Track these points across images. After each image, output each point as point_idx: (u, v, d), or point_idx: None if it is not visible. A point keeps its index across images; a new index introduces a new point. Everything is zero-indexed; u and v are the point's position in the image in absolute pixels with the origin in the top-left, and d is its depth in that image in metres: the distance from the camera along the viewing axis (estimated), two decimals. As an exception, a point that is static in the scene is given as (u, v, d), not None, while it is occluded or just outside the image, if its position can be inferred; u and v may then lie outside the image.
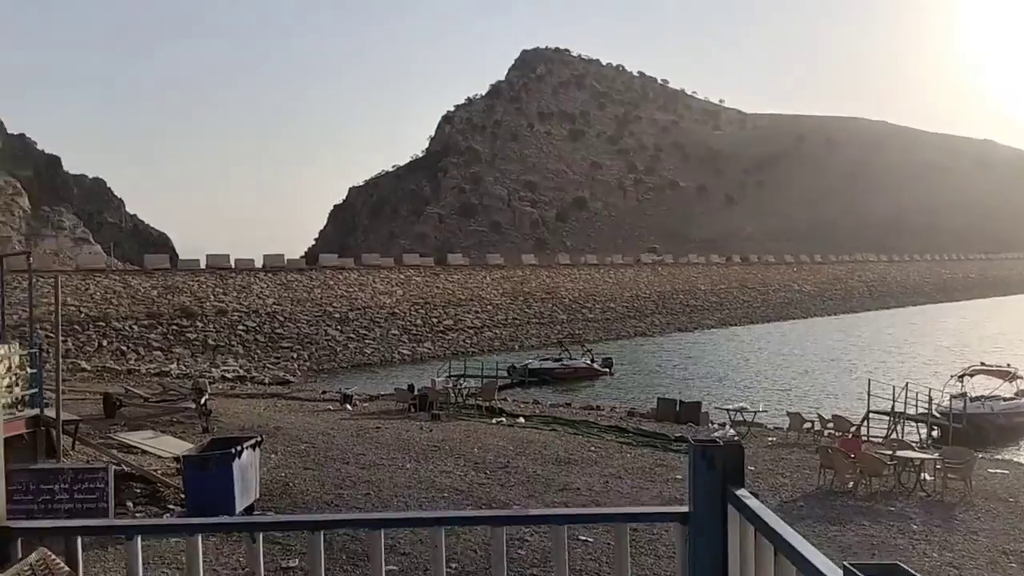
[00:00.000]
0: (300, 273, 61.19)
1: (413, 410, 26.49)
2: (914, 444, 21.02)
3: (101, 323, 46.86)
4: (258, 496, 13.58)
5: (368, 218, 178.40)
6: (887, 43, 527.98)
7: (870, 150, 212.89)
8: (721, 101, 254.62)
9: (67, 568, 2.41)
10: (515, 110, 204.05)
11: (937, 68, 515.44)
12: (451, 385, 30.78)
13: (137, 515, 13.02)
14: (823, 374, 44.66)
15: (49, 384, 13.79)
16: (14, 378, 12.95)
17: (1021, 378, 28.95)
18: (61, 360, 40.31)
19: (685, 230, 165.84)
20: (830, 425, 23.17)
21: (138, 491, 14.12)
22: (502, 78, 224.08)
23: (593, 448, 19.97)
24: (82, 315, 46.96)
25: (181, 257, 67.71)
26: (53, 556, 2.38)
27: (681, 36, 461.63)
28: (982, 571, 11.38)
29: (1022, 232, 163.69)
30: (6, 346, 13.15)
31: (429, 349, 54.44)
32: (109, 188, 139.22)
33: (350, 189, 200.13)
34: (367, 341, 53.49)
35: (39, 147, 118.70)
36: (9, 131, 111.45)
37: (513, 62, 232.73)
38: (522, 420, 25.01)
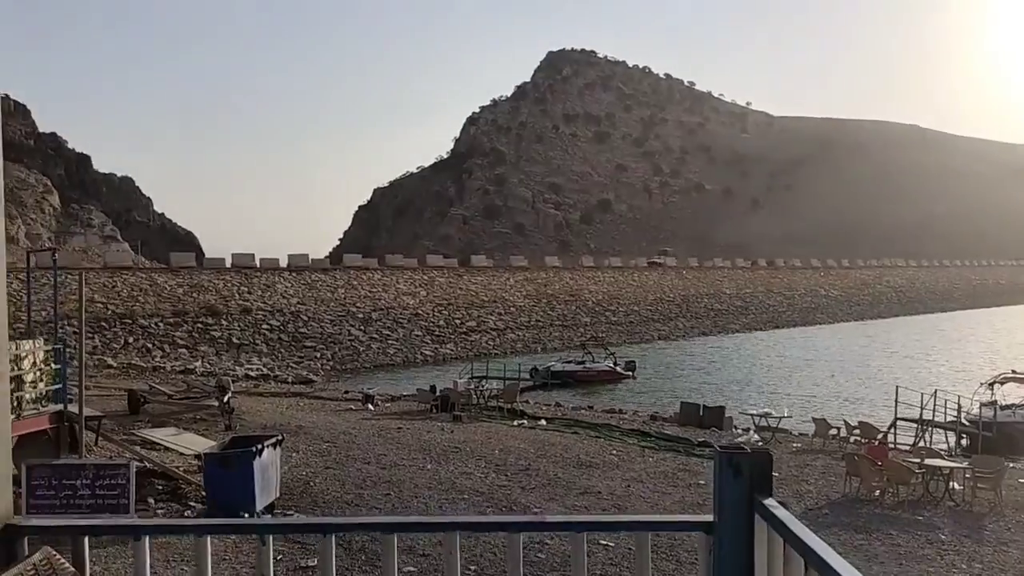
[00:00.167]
0: (324, 273, 61.49)
1: (435, 411, 26.46)
2: (942, 452, 20.65)
3: (128, 320, 47.34)
4: (278, 495, 13.57)
5: (392, 219, 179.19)
6: (918, 45, 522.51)
7: (899, 153, 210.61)
8: (748, 104, 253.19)
9: (72, 568, 2.35)
10: (540, 112, 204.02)
11: (968, 71, 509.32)
12: (473, 386, 30.73)
13: (158, 511, 13.06)
14: (849, 380, 44.12)
15: (73, 380, 13.89)
16: (39, 374, 13.04)
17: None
18: (87, 356, 40.73)
19: (710, 233, 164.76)
20: (856, 432, 22.85)
21: (160, 488, 14.17)
22: (528, 79, 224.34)
23: (615, 452, 19.80)
24: (109, 312, 47.47)
25: (207, 256, 68.32)
26: (57, 556, 2.33)
27: (709, 38, 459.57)
28: (1013, 584, 11.12)
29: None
30: (31, 342, 13.25)
31: (452, 350, 54.46)
32: (138, 187, 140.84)
33: (375, 190, 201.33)
34: (390, 342, 53.61)
35: (70, 146, 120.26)
36: (40, 130, 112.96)
37: (539, 63, 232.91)
38: (544, 422, 24.90)
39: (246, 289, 54.79)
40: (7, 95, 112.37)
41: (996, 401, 26.85)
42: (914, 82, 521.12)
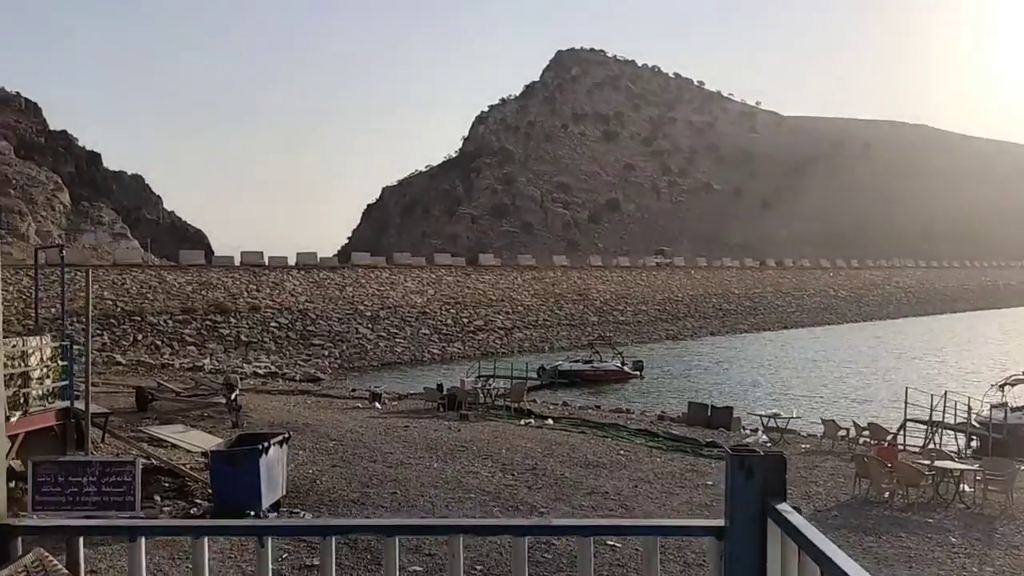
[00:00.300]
0: (332, 271, 61.56)
1: (442, 409, 26.42)
2: (952, 454, 20.49)
3: (137, 317, 47.46)
4: (284, 493, 13.55)
5: (401, 217, 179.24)
6: (928, 45, 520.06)
7: (909, 154, 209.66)
8: (758, 103, 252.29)
9: (64, 570, 2.30)
10: (549, 111, 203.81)
11: (980, 71, 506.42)
12: (480, 385, 30.70)
13: (165, 509, 13.05)
14: (858, 381, 43.91)
15: (81, 376, 13.89)
16: (45, 370, 13.04)
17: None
18: (97, 353, 40.80)
19: (719, 233, 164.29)
20: (866, 433, 22.69)
21: (166, 485, 14.16)
22: (536, 78, 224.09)
23: (622, 452, 19.73)
24: (118, 309, 47.61)
25: (216, 254, 68.50)
26: (50, 557, 2.27)
27: (718, 38, 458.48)
28: (1025, 588, 11.00)
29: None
30: (38, 338, 13.26)
31: (459, 349, 54.43)
32: (148, 185, 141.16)
33: (383, 188, 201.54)
34: (397, 340, 53.62)
35: (80, 143, 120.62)
36: (51, 127, 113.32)
37: (548, 62, 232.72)
38: (551, 422, 24.82)
39: (255, 287, 54.89)
40: (18, 93, 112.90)
41: (1007, 403, 26.61)
42: (925, 82, 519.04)
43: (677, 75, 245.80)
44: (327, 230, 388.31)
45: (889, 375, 45.13)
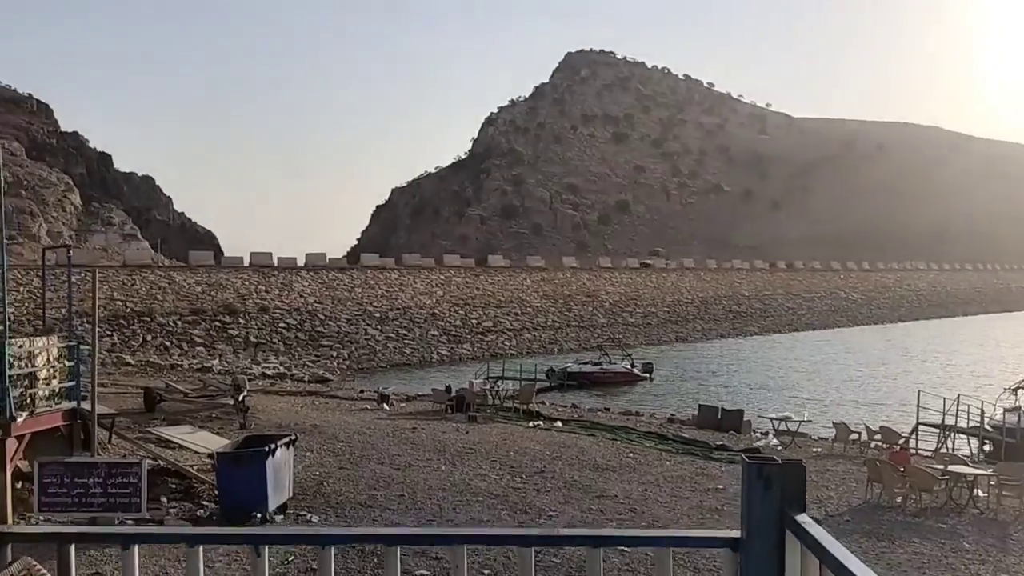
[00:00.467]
0: (341, 272, 61.58)
1: (450, 411, 26.33)
2: (965, 458, 20.29)
3: (146, 318, 47.56)
4: (291, 495, 13.48)
5: (410, 218, 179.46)
6: (939, 47, 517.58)
7: (921, 155, 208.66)
8: (768, 105, 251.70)
9: (52, 578, 2.21)
10: (558, 112, 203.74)
11: (991, 73, 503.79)
12: (489, 387, 30.60)
13: (171, 510, 12.99)
14: (870, 384, 43.62)
15: (88, 377, 13.85)
16: (52, 371, 13.00)
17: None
18: (106, 354, 40.85)
19: (729, 235, 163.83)
20: (877, 437, 22.49)
21: (173, 487, 14.11)
22: (546, 80, 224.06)
23: (632, 454, 19.59)
24: (128, 310, 47.72)
25: (226, 254, 68.63)
26: (37, 565, 2.19)
27: (729, 39, 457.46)
28: (1041, 595, 10.83)
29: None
30: (44, 339, 13.22)
31: (468, 350, 54.35)
32: (158, 186, 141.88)
33: (393, 190, 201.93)
34: (406, 341, 53.57)
35: (91, 145, 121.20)
36: (62, 129, 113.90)
37: (557, 64, 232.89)
38: (560, 424, 24.70)
39: (264, 288, 54.94)
40: (30, 94, 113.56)
41: (1020, 407, 26.35)
42: (936, 83, 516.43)
43: (687, 77, 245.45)
44: (336, 231, 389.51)
45: (901, 378, 44.82)
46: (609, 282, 76.86)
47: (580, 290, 71.97)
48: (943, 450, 22.62)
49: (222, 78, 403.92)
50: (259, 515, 12.43)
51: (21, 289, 45.25)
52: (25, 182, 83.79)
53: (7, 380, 11.63)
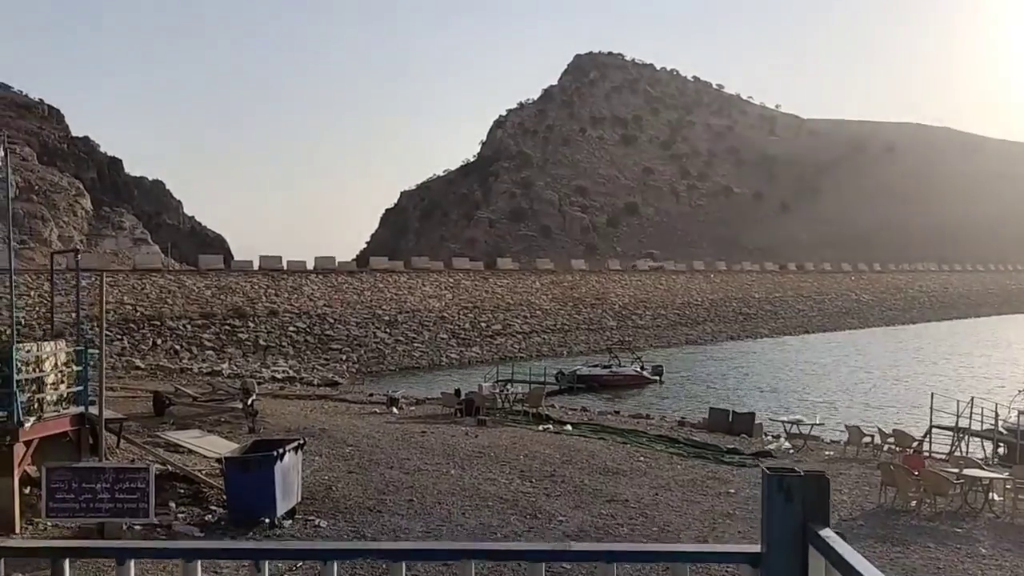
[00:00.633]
0: (350, 276, 61.59)
1: (459, 415, 26.23)
2: (979, 461, 20.07)
3: (156, 322, 47.66)
4: (300, 499, 13.42)
5: (419, 222, 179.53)
6: (949, 47, 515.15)
7: (931, 157, 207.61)
8: (777, 106, 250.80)
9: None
10: (567, 115, 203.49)
11: (1001, 73, 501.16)
12: (498, 390, 30.47)
13: (179, 515, 12.95)
14: (882, 386, 43.33)
15: (96, 382, 13.82)
16: (60, 376, 12.97)
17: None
18: (116, 357, 40.92)
19: (739, 237, 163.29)
20: (891, 440, 22.29)
21: (181, 491, 14.06)
22: (555, 82, 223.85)
23: (642, 458, 19.46)
24: (138, 314, 47.82)
25: (236, 258, 68.75)
26: (27, 583, 2.11)
27: (737, 41, 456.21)
28: (1059, 601, 10.66)
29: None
30: (52, 344, 13.20)
31: (477, 353, 54.26)
32: (168, 190, 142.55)
33: (401, 193, 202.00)
34: (415, 344, 53.53)
35: (102, 149, 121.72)
36: (73, 134, 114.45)
37: (566, 67, 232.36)
38: (569, 427, 24.57)
39: (273, 291, 55.00)
40: (41, 100, 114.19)
41: (1035, 409, 26.08)
42: (947, 84, 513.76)
43: (696, 78, 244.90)
44: (345, 235, 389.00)
45: (913, 380, 44.52)
46: (618, 284, 76.66)
47: (589, 293, 71.80)
48: (957, 453, 22.42)
49: (232, 83, 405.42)
50: (267, 520, 12.37)
51: (32, 293, 45.41)
52: (36, 187, 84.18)
53: (15, 385, 11.60)
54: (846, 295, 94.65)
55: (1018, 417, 25.06)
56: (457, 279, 66.60)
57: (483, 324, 59.47)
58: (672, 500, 15.10)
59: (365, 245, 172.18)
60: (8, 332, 12.37)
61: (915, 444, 21.67)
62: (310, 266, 61.69)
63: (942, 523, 14.18)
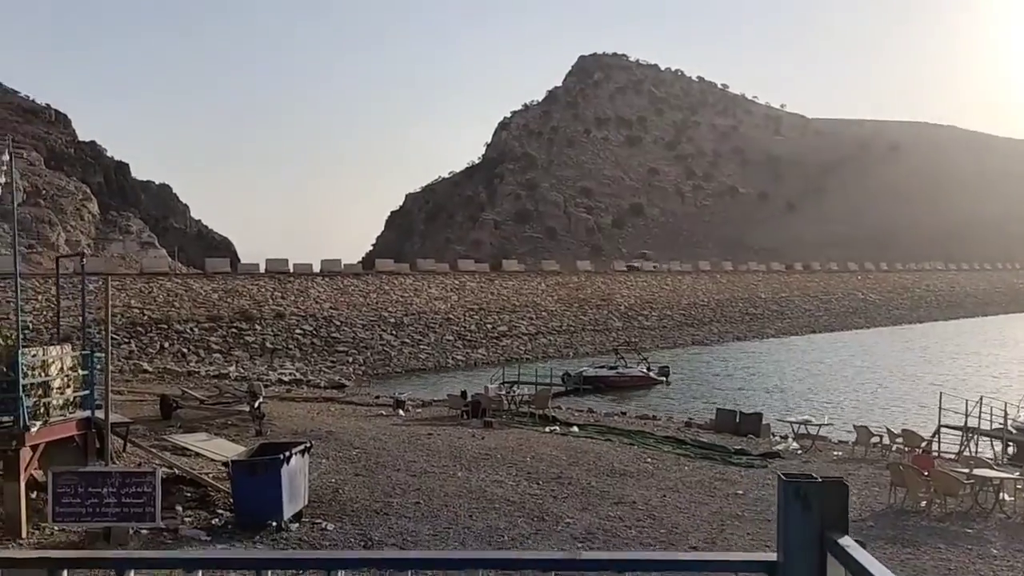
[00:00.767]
0: (356, 278, 61.64)
1: (465, 416, 26.19)
2: (989, 461, 19.95)
3: (163, 325, 47.73)
4: (306, 503, 13.39)
5: (424, 224, 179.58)
6: (954, 45, 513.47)
7: (937, 156, 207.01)
8: (782, 106, 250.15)
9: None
10: (572, 116, 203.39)
11: (1007, 71, 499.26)
12: (504, 392, 30.42)
13: (186, 519, 12.92)
14: (889, 386, 43.16)
15: (102, 385, 13.81)
16: (66, 380, 12.95)
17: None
18: (124, 361, 40.94)
19: (745, 237, 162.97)
20: (899, 440, 22.17)
21: (188, 495, 14.04)
22: (559, 84, 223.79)
23: (649, 459, 19.39)
24: (145, 317, 47.91)
25: (242, 261, 68.88)
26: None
27: (742, 40, 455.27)
28: (1072, 603, 10.56)
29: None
30: (58, 347, 13.19)
31: (483, 355, 54.22)
32: (175, 194, 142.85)
33: (407, 195, 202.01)
34: (421, 346, 53.52)
35: (108, 154, 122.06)
36: (80, 138, 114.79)
37: (570, 68, 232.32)
38: (576, 429, 24.50)
39: (280, 294, 55.06)
40: (48, 104, 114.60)
41: (1044, 408, 25.94)
42: (952, 83, 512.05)
43: (700, 79, 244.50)
44: (351, 237, 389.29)
45: (921, 380, 44.33)
46: (624, 285, 76.56)
47: (595, 294, 71.72)
48: (966, 453, 22.29)
49: (237, 87, 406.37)
50: (274, 523, 12.34)
51: (39, 298, 45.53)
52: (44, 192, 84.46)
53: (21, 390, 11.58)
54: (853, 295, 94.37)
55: (1028, 416, 24.94)
56: (463, 281, 66.59)
57: (489, 326, 59.43)
58: (680, 502, 15.02)
59: (371, 247, 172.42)
60: (14, 336, 12.35)
61: (924, 444, 21.56)
62: (316, 269, 61.75)
63: (952, 524, 14.08)
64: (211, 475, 15.20)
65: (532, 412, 27.05)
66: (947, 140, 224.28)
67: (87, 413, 13.26)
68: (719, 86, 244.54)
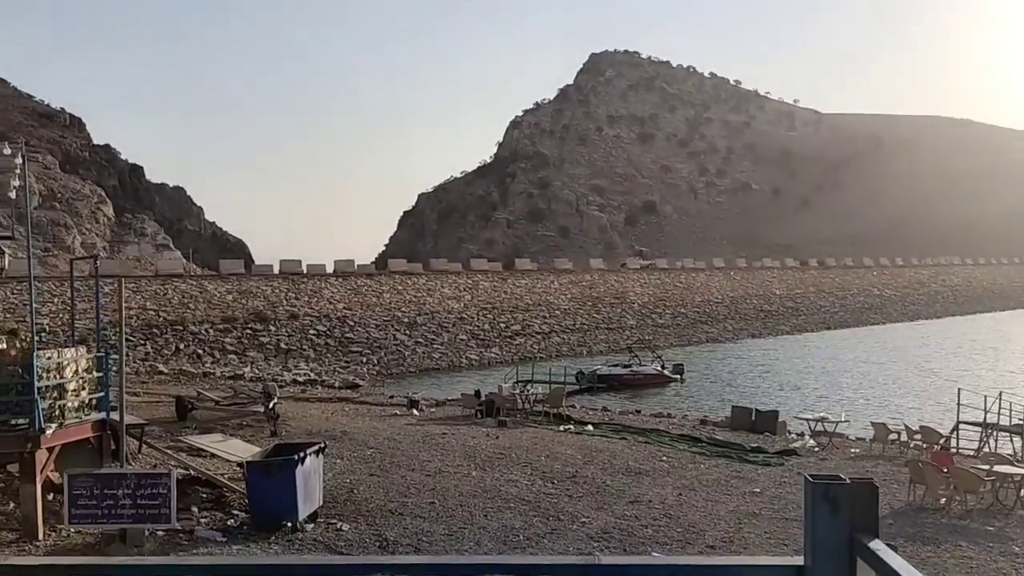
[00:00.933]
0: (370, 278, 61.73)
1: (479, 416, 26.15)
2: (1009, 457, 19.72)
3: (179, 327, 47.96)
4: (321, 503, 13.38)
5: (437, 224, 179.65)
6: (970, 39, 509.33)
7: (952, 149, 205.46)
8: (796, 101, 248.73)
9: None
10: (583, 114, 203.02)
11: (1021, 65, 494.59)
12: (518, 391, 30.36)
13: (202, 520, 12.93)
14: (906, 382, 42.82)
15: (118, 387, 13.84)
16: (81, 382, 12.99)
17: None
18: (139, 363, 41.15)
19: (759, 234, 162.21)
20: (918, 436, 21.95)
21: (204, 496, 14.06)
22: (570, 81, 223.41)
23: (665, 458, 19.28)
24: (160, 319, 48.16)
25: (256, 263, 69.10)
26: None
27: (754, 36, 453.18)
28: (1097, 601, 10.40)
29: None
30: (73, 349, 13.22)
31: (497, 354, 54.19)
32: (189, 196, 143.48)
33: (419, 195, 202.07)
34: (435, 346, 53.54)
35: (123, 157, 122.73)
36: (94, 142, 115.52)
37: (582, 66, 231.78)
38: (591, 428, 24.41)
39: (294, 295, 55.22)
40: (63, 108, 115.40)
41: (1065, 404, 25.62)
42: (966, 76, 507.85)
43: (713, 75, 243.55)
44: (364, 237, 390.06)
45: (938, 375, 43.96)
46: (637, 283, 76.32)
47: (608, 292, 71.53)
48: (985, 449, 22.04)
49: (251, 88, 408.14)
50: (289, 524, 12.34)
51: (55, 300, 45.82)
52: (59, 195, 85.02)
53: (37, 392, 11.62)
54: (868, 291, 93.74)
55: (1048, 412, 24.65)
56: (475, 280, 66.57)
57: (502, 325, 59.39)
58: (696, 500, 14.92)
59: (384, 247, 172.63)
60: (30, 339, 12.39)
61: (943, 440, 21.34)
62: (329, 269, 61.88)
63: (973, 521, 13.92)
64: (226, 476, 15.22)
65: (546, 411, 26.98)
66: (962, 134, 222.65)
67: (102, 415, 13.29)
68: (731, 82, 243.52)
